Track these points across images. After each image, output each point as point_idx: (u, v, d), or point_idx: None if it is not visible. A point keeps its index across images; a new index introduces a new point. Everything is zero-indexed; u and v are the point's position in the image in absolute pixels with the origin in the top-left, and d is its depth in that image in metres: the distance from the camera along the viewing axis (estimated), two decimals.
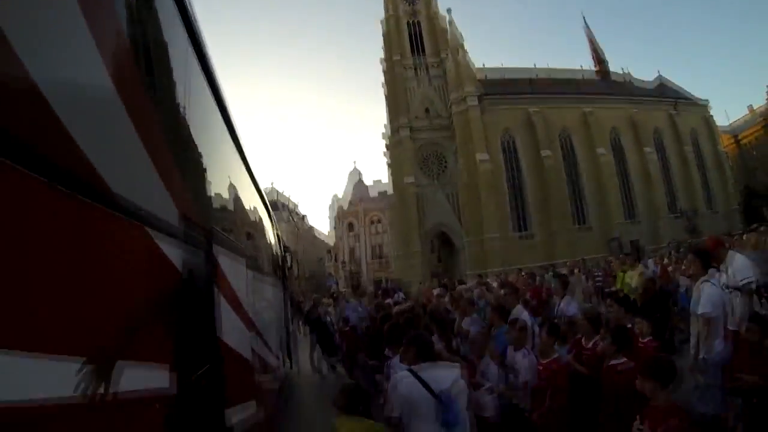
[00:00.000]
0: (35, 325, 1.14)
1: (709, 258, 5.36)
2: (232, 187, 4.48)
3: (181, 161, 2.63)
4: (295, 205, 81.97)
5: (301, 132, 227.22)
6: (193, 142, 3.00)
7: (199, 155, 3.15)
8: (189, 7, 2.68)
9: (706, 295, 4.88)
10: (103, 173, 1.48)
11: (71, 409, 1.27)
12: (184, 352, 2.31)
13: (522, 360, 5.12)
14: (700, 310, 4.89)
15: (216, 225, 3.35)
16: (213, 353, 2.60)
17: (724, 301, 4.93)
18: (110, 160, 1.59)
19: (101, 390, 1.42)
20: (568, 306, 7.45)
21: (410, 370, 3.57)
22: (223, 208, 4.06)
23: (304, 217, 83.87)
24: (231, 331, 3.11)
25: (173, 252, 2.23)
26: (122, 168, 1.71)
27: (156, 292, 2.02)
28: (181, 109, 2.61)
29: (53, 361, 1.21)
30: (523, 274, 17.57)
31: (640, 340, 5.37)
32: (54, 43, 1.28)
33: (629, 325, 5.62)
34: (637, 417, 3.22)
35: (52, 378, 1.20)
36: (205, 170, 3.26)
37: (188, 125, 2.78)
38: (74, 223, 1.35)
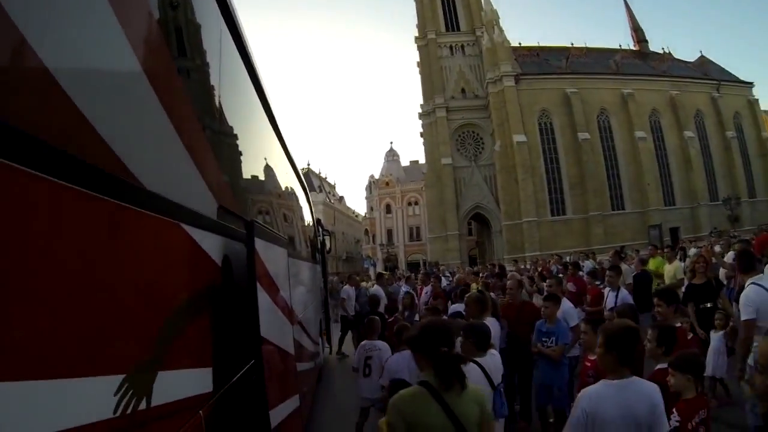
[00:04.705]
0: (65, 346, 1.00)
1: (752, 259, 4.96)
2: (270, 173, 4.37)
3: (219, 150, 2.49)
4: (332, 186, 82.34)
5: (337, 111, 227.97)
6: (230, 128, 2.86)
7: (237, 142, 3.02)
8: None
9: (749, 299, 4.49)
10: (135, 169, 1.33)
11: None
12: (227, 351, 2.19)
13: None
14: (743, 316, 4.51)
15: (255, 214, 3.23)
16: (256, 349, 2.48)
17: None
18: (142, 154, 1.44)
19: (142, 407, 1.29)
20: (625, 300, 6.77)
21: (475, 362, 3.53)
22: (262, 196, 3.94)
23: (341, 198, 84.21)
24: (273, 323, 2.99)
25: (212, 247, 2.10)
26: (156, 162, 1.57)
27: (195, 293, 1.89)
28: (217, 94, 2.46)
29: (89, 383, 1.07)
30: (566, 260, 16.91)
31: (687, 338, 5.01)
32: (72, 24, 1.11)
33: (678, 324, 5.23)
34: (673, 410, 3.15)
35: (88, 401, 1.06)
36: (243, 157, 3.13)
37: (225, 111, 2.64)
38: (101, 225, 1.19)
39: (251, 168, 3.43)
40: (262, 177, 3.98)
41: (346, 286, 13.09)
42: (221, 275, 2.23)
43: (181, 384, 1.64)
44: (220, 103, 2.55)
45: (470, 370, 3.58)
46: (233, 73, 2.99)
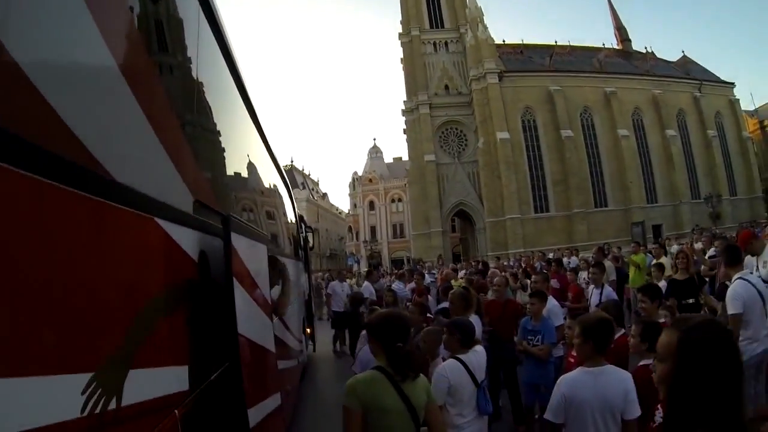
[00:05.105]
0: (32, 343, 0.96)
1: (738, 254, 5.05)
2: (250, 168, 4.31)
3: (196, 144, 2.44)
4: (316, 183, 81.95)
5: (321, 107, 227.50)
6: (209, 122, 2.81)
7: (215, 136, 2.96)
8: None
9: (736, 293, 4.53)
10: (106, 162, 1.28)
11: None
12: (204, 349, 2.15)
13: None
14: (729, 310, 4.55)
15: (234, 210, 3.18)
16: (233, 347, 2.43)
17: (761, 298, 4.51)
18: (115, 147, 1.39)
19: (112, 406, 1.25)
20: (609, 296, 6.74)
21: (457, 359, 3.63)
22: (242, 191, 3.88)
23: (325, 195, 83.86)
24: (252, 320, 2.94)
25: (188, 242, 2.05)
26: (130, 155, 1.52)
27: (170, 289, 1.84)
28: (194, 85, 2.40)
29: (58, 381, 1.03)
30: (550, 257, 16.97)
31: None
32: (44, 17, 1.06)
33: (662, 320, 5.27)
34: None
35: (55, 400, 1.02)
36: (221, 152, 3.08)
37: (202, 103, 2.59)
38: (71, 220, 1.14)
39: (230, 163, 3.37)
40: (241, 172, 3.91)
41: (335, 282, 13.05)
42: (197, 271, 2.18)
43: (155, 382, 1.59)
44: (197, 96, 2.49)
45: (453, 367, 3.58)
46: (211, 66, 2.93)
